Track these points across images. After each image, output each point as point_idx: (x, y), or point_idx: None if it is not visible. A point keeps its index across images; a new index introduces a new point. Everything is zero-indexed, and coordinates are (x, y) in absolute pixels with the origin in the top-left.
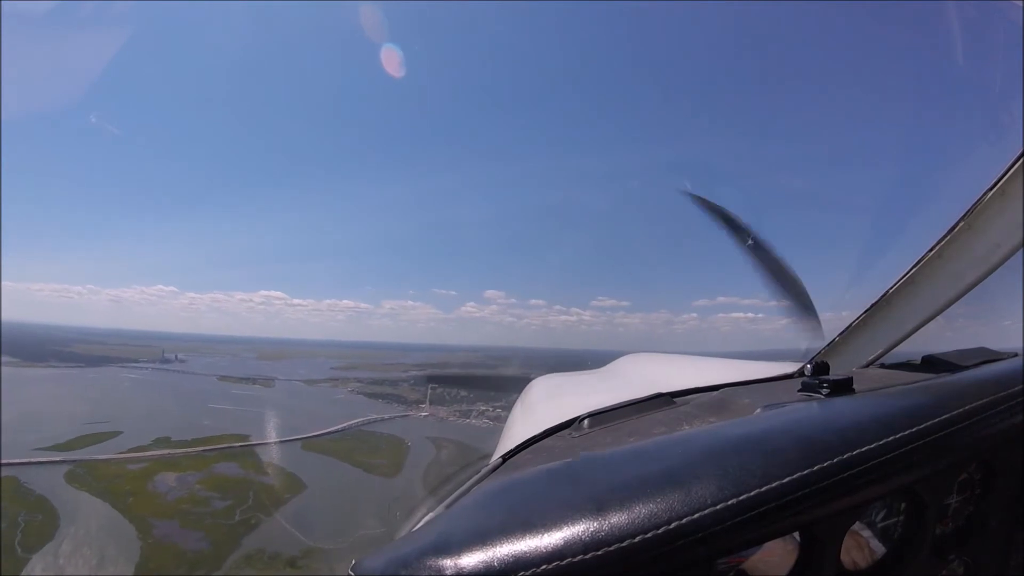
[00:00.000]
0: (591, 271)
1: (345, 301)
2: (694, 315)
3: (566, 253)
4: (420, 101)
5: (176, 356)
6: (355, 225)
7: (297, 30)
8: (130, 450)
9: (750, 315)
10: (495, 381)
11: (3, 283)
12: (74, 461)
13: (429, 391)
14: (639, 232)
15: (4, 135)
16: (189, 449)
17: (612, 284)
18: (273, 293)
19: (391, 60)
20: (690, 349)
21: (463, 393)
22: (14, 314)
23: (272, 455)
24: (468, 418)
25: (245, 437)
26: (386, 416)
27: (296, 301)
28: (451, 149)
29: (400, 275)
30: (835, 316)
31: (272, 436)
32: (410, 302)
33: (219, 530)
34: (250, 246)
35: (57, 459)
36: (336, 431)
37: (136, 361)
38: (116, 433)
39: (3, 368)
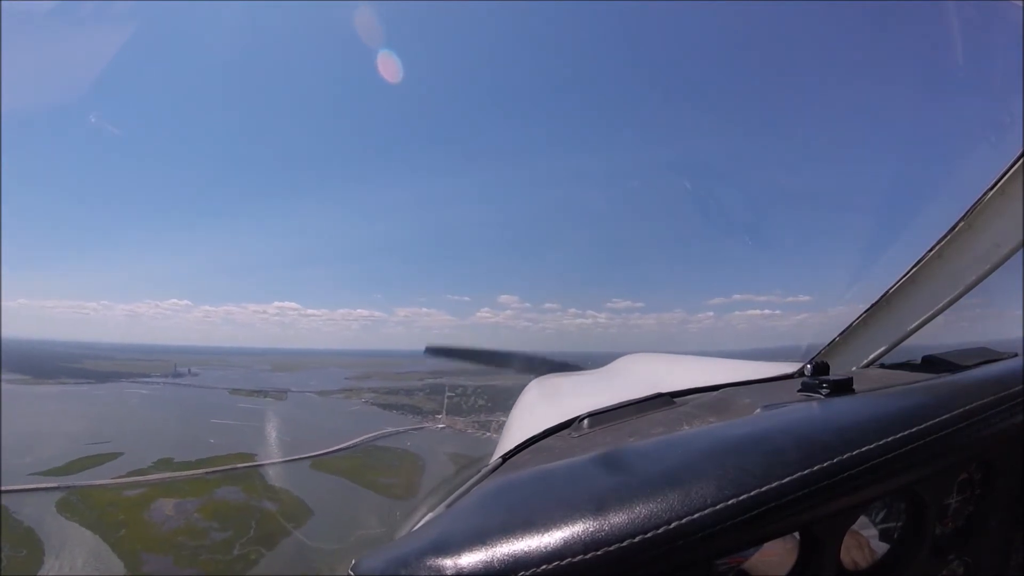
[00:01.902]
0: (605, 273)
1: (359, 310)
2: (710, 314)
3: (580, 256)
4: (430, 107)
5: (189, 370)
6: (368, 234)
7: (307, 34)
8: (129, 473)
9: (766, 312)
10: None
11: (18, 300)
12: (68, 488)
13: (446, 400)
14: (652, 232)
15: (4, 142)
16: (191, 472)
17: (626, 285)
18: (287, 304)
19: (389, 65)
20: (706, 348)
21: (481, 402)
22: (29, 331)
23: (278, 476)
24: (488, 430)
25: (251, 456)
26: (400, 429)
27: (310, 311)
28: (461, 154)
29: (413, 282)
30: (835, 316)
31: (280, 455)
32: (424, 309)
33: (215, 565)
34: (263, 258)
35: (50, 486)
36: (347, 448)
37: (148, 376)
38: (117, 455)
39: (12, 386)
